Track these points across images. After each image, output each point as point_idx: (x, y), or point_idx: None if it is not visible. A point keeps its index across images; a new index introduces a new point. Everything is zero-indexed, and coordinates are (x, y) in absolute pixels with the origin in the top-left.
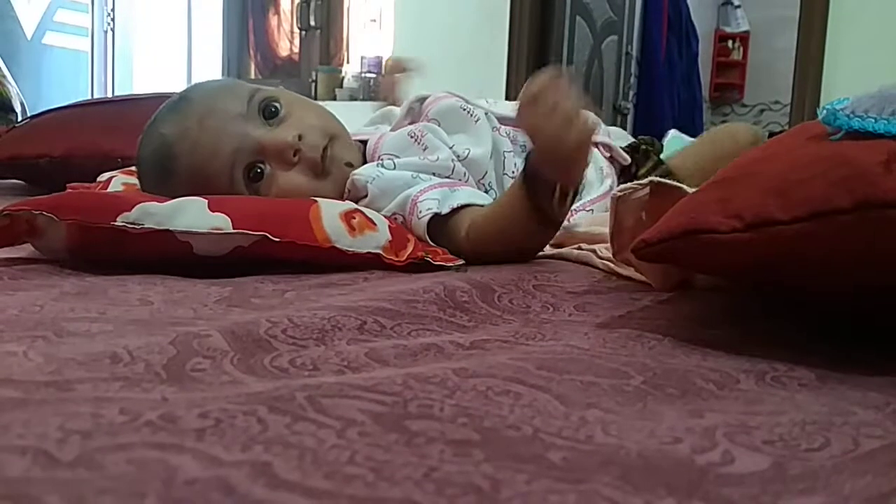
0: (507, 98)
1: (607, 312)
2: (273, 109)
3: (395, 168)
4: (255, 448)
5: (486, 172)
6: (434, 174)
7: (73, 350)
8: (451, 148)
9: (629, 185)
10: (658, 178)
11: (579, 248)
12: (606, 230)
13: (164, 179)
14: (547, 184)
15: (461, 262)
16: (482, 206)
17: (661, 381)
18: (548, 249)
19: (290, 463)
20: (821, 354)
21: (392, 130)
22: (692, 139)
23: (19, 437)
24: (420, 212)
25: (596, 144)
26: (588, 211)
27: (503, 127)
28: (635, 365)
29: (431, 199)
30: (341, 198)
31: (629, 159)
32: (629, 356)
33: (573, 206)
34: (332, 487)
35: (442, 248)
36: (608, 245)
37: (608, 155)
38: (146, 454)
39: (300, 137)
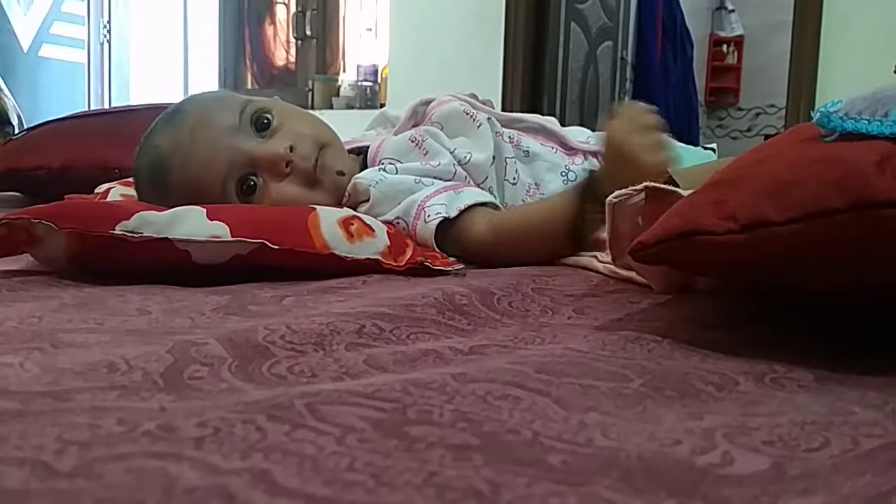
0: (504, 105)
1: (606, 315)
2: (265, 121)
3: (397, 172)
4: (255, 456)
5: (487, 177)
6: (436, 179)
7: (71, 360)
8: (452, 152)
9: (625, 190)
10: (653, 183)
11: (579, 253)
12: (605, 236)
13: (158, 191)
14: (599, 199)
15: (460, 266)
16: (486, 203)
17: (661, 383)
18: None
19: (289, 470)
20: (819, 355)
21: (396, 134)
22: (682, 145)
23: (17, 448)
24: (428, 216)
25: (595, 155)
26: None
27: (506, 132)
28: (634, 367)
29: (439, 204)
30: (337, 206)
31: None
32: (628, 359)
33: None
34: (333, 494)
35: (442, 253)
36: (608, 251)
37: None
38: (145, 463)
39: (291, 148)
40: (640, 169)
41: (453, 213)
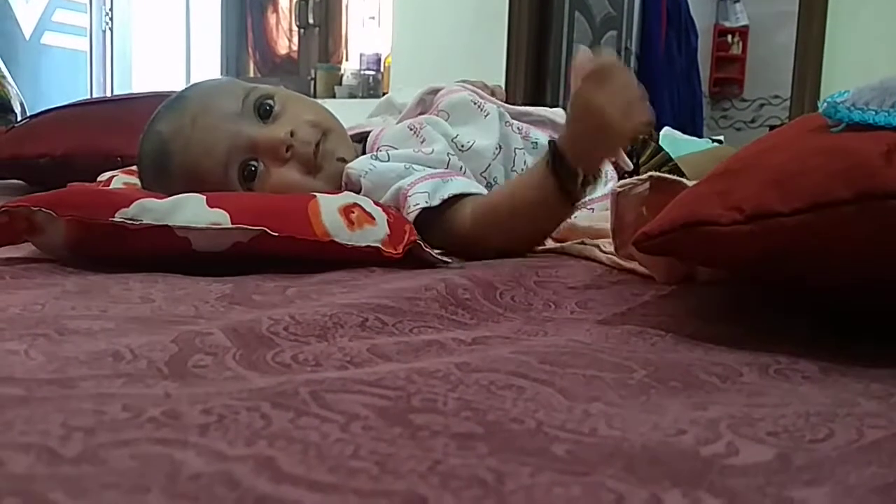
0: (507, 94)
1: (609, 308)
2: (267, 107)
3: (388, 160)
4: (259, 443)
5: (490, 165)
6: (428, 167)
7: (75, 348)
8: (454, 138)
9: (629, 180)
10: (657, 173)
11: (582, 243)
12: (608, 225)
13: (160, 177)
14: (569, 168)
15: (448, 259)
16: (474, 194)
17: (664, 374)
18: (550, 244)
19: (294, 457)
20: (823, 347)
21: (400, 122)
22: (685, 136)
23: (22, 434)
24: (409, 206)
25: None
26: (589, 209)
27: (515, 123)
28: (638, 359)
29: (421, 193)
30: (336, 192)
31: (631, 165)
32: (632, 351)
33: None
34: (337, 481)
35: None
36: (611, 240)
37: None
38: (150, 449)
39: (292, 133)
40: (610, 132)
41: (435, 202)
